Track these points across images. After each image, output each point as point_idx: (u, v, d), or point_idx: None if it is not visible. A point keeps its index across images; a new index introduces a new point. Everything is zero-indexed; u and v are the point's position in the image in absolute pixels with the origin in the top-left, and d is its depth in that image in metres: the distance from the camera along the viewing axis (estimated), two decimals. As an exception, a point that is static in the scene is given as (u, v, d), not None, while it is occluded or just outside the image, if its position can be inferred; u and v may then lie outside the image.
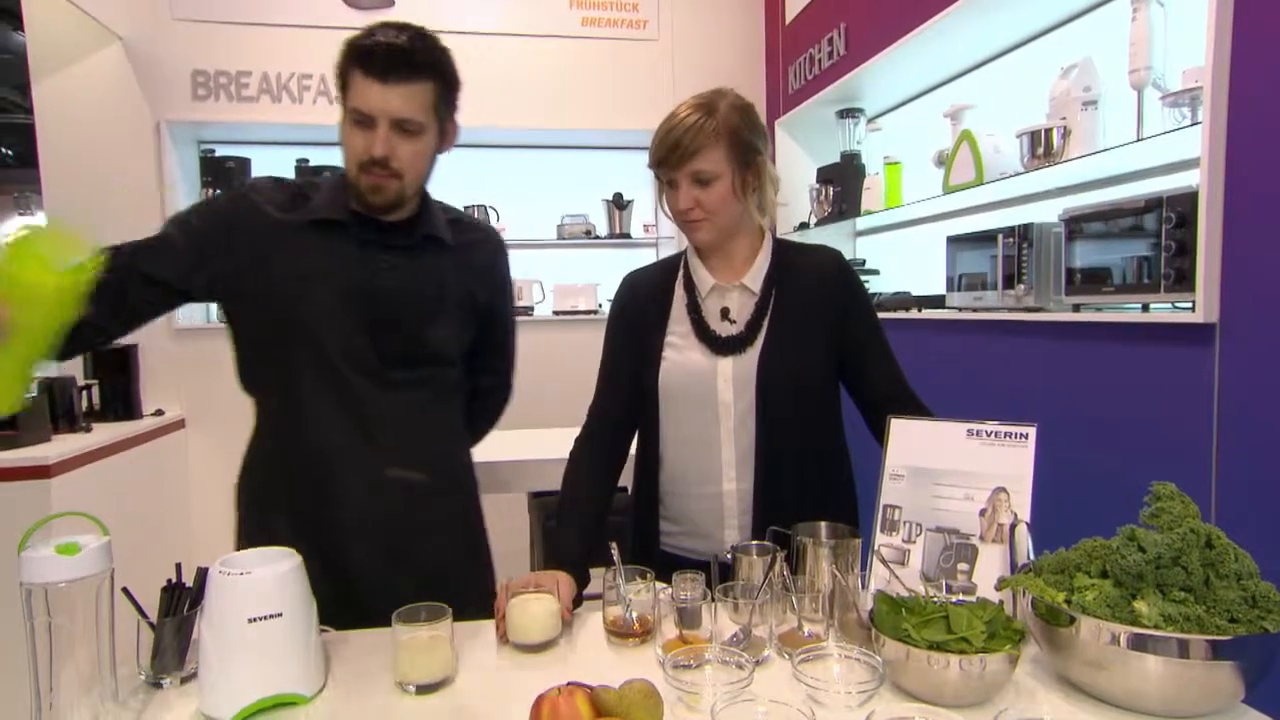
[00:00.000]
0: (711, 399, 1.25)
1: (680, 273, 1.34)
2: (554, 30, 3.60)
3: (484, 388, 1.46)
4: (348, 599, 1.15)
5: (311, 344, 1.20)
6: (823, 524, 1.14)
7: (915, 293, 2.67)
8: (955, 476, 1.07)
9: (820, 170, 3.19)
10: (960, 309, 2.21)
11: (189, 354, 3.25)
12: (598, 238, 3.84)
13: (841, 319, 1.28)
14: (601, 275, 3.80)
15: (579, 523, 1.27)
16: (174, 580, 0.99)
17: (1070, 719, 0.82)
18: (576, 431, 1.38)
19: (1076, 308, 1.79)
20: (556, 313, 3.76)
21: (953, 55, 2.46)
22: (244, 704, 0.86)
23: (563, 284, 3.78)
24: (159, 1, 3.23)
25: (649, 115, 1.44)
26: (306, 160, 3.42)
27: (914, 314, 2.52)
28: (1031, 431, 1.04)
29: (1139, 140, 1.68)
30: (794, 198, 3.26)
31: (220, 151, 3.44)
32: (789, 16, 3.48)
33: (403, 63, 1.13)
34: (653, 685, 0.82)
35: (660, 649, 0.98)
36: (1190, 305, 1.48)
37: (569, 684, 0.82)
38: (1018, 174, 2.00)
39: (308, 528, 1.16)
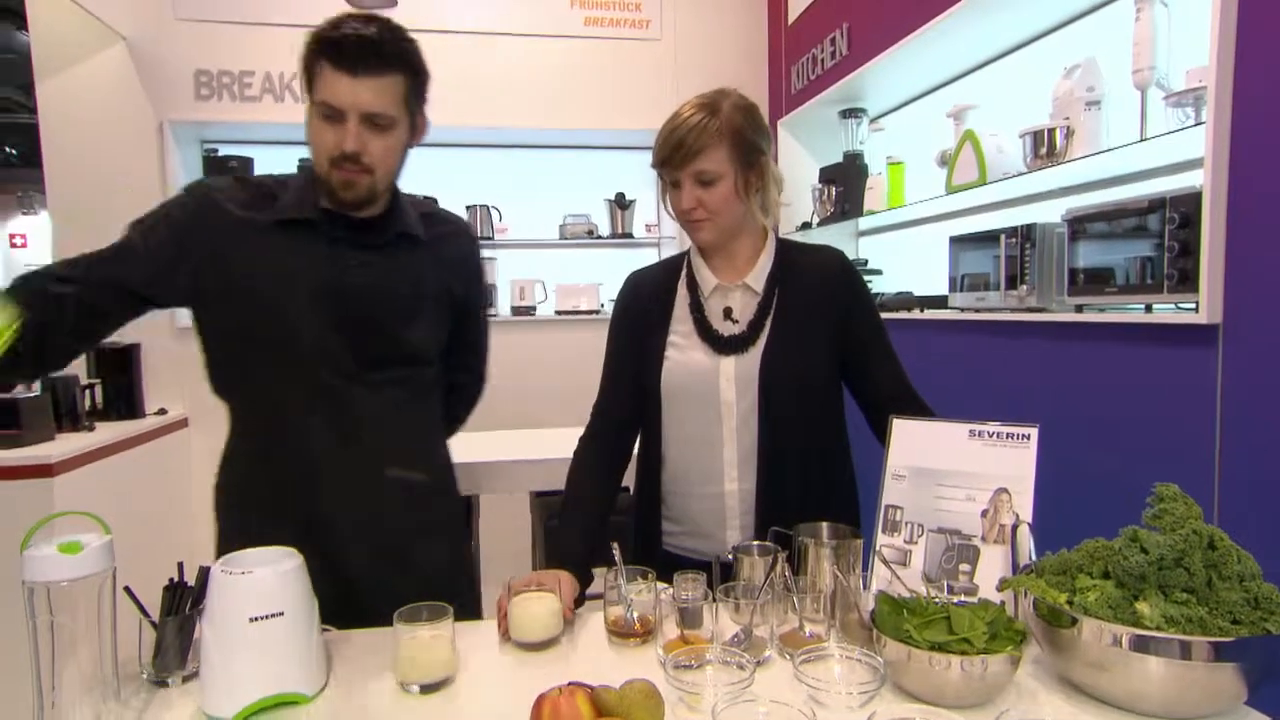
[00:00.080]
0: (714, 398, 1.25)
1: (683, 272, 1.34)
2: (557, 30, 3.61)
3: (460, 384, 1.45)
4: (333, 601, 1.13)
5: (284, 346, 1.17)
6: (824, 524, 1.14)
7: (918, 293, 2.67)
8: (957, 477, 1.07)
9: (823, 170, 3.19)
10: (963, 309, 2.21)
11: (191, 353, 3.22)
12: (600, 238, 3.84)
13: (844, 319, 1.28)
14: (604, 275, 3.80)
15: (582, 522, 1.27)
16: (176, 579, 1.00)
17: (1072, 720, 0.82)
18: (578, 431, 1.38)
19: (1079, 308, 1.79)
20: (559, 313, 3.76)
21: (956, 55, 2.45)
22: (246, 703, 0.86)
23: (565, 284, 3.78)
24: (162, 1, 3.24)
25: (651, 115, 1.44)
26: (308, 160, 3.43)
27: (916, 314, 2.52)
28: (1033, 432, 1.04)
29: (1142, 140, 1.67)
30: (796, 198, 3.26)
31: (223, 151, 3.45)
32: (792, 16, 3.48)
33: (373, 55, 1.10)
34: (654, 685, 0.82)
35: (661, 649, 0.97)
36: (1193, 306, 1.48)
37: (570, 684, 0.82)
38: (1021, 174, 2.00)
39: (289, 531, 1.10)
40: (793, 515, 1.16)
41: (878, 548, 1.09)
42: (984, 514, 1.04)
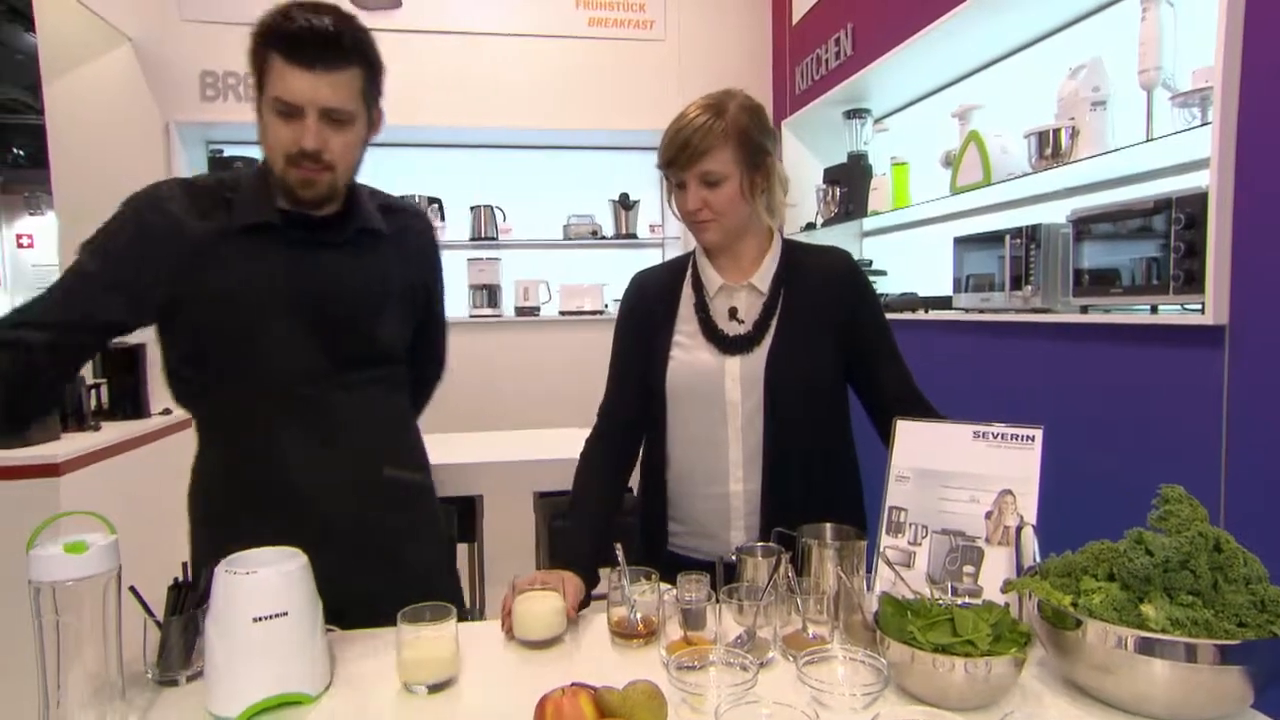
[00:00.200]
0: (719, 398, 1.25)
1: (688, 272, 1.34)
2: (561, 30, 3.61)
3: (424, 375, 1.43)
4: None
5: (255, 355, 1.14)
6: (828, 525, 1.14)
7: (922, 294, 2.67)
8: (961, 478, 1.06)
9: (827, 171, 3.18)
10: (967, 310, 2.20)
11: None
12: (604, 238, 3.84)
13: (850, 319, 1.28)
14: (608, 275, 3.81)
15: (589, 523, 1.27)
16: (180, 579, 1.00)
17: (1077, 723, 0.82)
18: (582, 431, 1.38)
19: (1084, 309, 1.78)
20: (563, 313, 3.77)
21: (960, 56, 2.45)
22: (250, 703, 0.86)
23: (569, 284, 3.78)
24: (168, 2, 3.25)
25: (655, 115, 1.44)
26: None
27: (921, 315, 2.51)
28: (1038, 433, 1.03)
29: (1148, 141, 1.67)
30: (801, 198, 3.26)
31: (229, 152, 3.46)
32: (796, 17, 3.48)
33: (331, 49, 1.06)
34: (657, 686, 0.82)
35: (664, 650, 0.97)
36: (1199, 307, 1.47)
37: (573, 685, 0.82)
38: (1026, 175, 1.99)
39: (269, 540, 1.00)
40: (797, 516, 1.16)
41: (881, 549, 1.09)
42: (988, 515, 1.03)
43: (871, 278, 2.93)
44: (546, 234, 3.83)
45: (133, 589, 0.92)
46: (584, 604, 1.15)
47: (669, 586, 1.06)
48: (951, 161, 2.31)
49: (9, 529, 0.98)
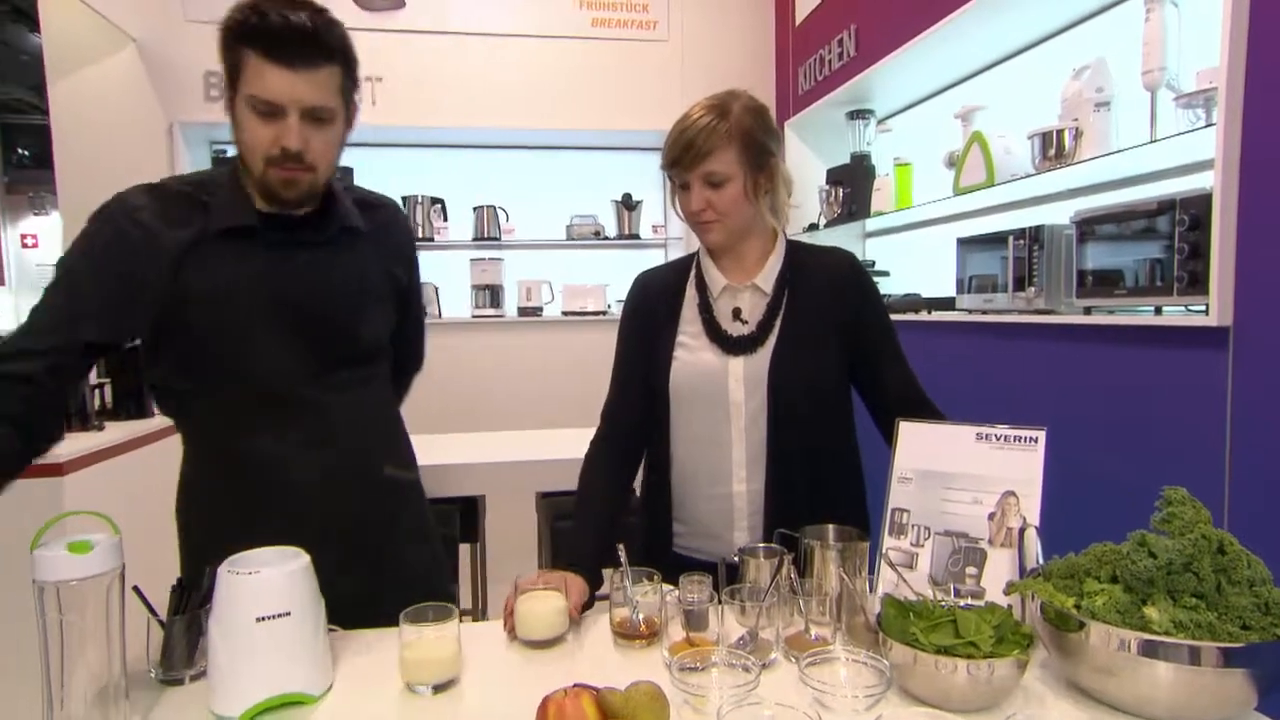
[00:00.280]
0: (722, 399, 1.25)
1: (692, 273, 1.34)
2: (564, 31, 3.61)
3: (404, 368, 1.41)
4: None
5: (243, 362, 1.12)
6: (830, 527, 1.14)
7: (925, 294, 2.66)
8: (964, 480, 1.06)
9: (830, 171, 3.18)
10: (970, 311, 2.20)
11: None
12: (607, 238, 3.85)
13: (854, 320, 1.28)
14: (610, 276, 3.81)
15: (593, 524, 1.27)
16: (184, 578, 1.00)
17: (1079, 725, 0.82)
18: (585, 432, 1.38)
19: (1088, 310, 1.78)
20: (565, 313, 3.77)
21: (963, 56, 2.45)
22: (252, 703, 0.86)
23: (572, 284, 3.79)
24: (172, 3, 3.26)
25: (658, 116, 1.44)
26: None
27: (924, 316, 2.51)
28: (1041, 435, 1.03)
29: (1152, 142, 1.66)
30: (803, 199, 3.26)
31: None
32: (799, 17, 3.47)
33: (311, 46, 1.03)
34: (659, 687, 0.82)
35: (667, 651, 0.97)
36: (1203, 308, 1.47)
37: (575, 685, 0.82)
38: (1029, 175, 1.99)
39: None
40: (801, 516, 1.16)
41: (884, 550, 1.09)
42: (991, 517, 1.03)
43: (874, 278, 2.94)
44: (549, 234, 3.83)
45: (136, 589, 0.93)
46: (588, 605, 1.15)
47: (671, 588, 1.06)
48: (955, 162, 2.30)
49: (13, 528, 0.98)
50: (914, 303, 2.61)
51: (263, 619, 0.86)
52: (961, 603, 0.93)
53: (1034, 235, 1.90)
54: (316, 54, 1.04)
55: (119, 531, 0.85)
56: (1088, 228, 1.74)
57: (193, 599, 0.97)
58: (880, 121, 3.09)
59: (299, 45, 1.03)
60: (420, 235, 3.68)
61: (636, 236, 3.87)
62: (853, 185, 3.00)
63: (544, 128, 3.63)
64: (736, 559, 1.12)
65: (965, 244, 2.23)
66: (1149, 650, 0.77)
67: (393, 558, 1.25)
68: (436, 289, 3.72)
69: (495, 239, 3.75)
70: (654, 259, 3.87)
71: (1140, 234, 1.60)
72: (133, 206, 1.10)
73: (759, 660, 0.89)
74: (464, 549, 2.19)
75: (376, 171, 3.67)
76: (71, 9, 2.90)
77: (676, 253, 3.80)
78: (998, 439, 1.06)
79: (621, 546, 1.12)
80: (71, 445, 2.33)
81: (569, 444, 2.34)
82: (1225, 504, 1.44)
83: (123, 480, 2.53)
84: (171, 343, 1.13)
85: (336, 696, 0.93)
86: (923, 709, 0.84)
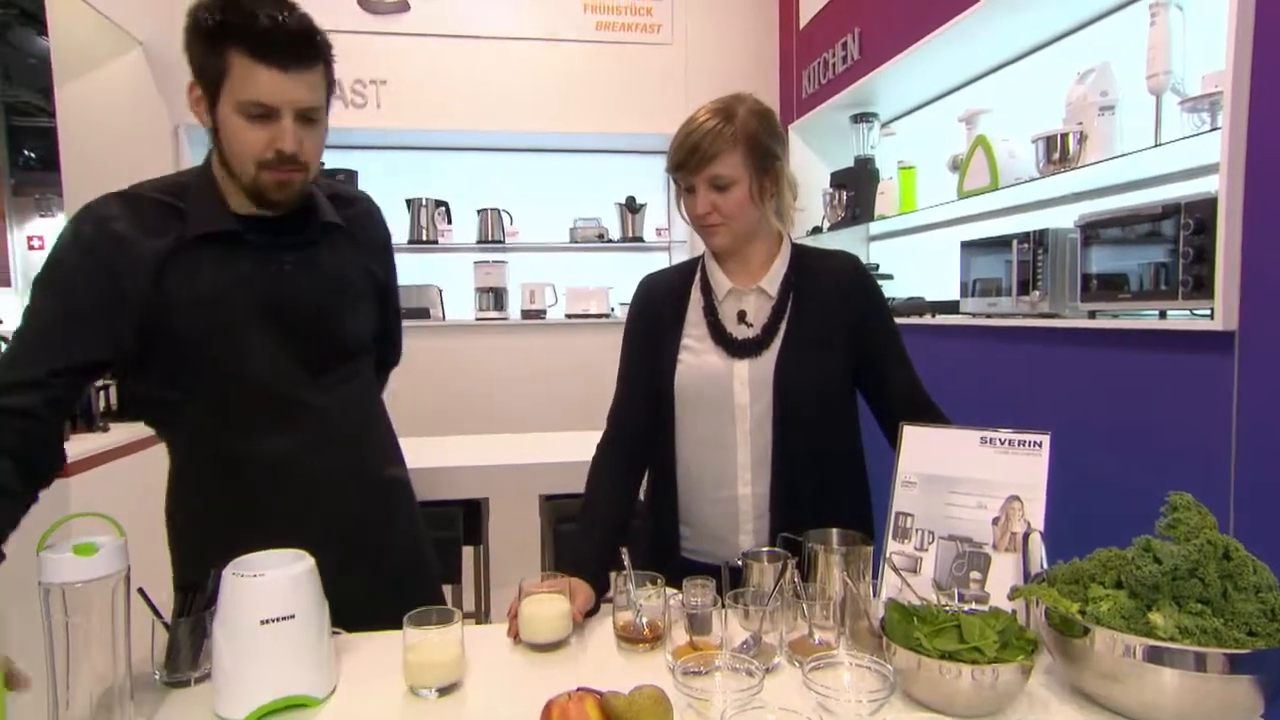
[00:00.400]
0: (728, 402, 1.25)
1: (697, 276, 1.34)
2: (568, 34, 3.62)
3: (384, 361, 1.41)
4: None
5: (233, 368, 1.11)
6: (834, 531, 1.14)
7: (929, 298, 2.66)
8: (968, 484, 1.06)
9: (834, 175, 3.18)
10: (974, 315, 2.20)
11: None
12: (610, 241, 3.85)
13: (859, 323, 1.28)
14: (614, 279, 3.81)
15: (599, 528, 1.27)
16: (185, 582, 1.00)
17: (1084, 731, 0.82)
18: (588, 434, 1.38)
19: (1092, 314, 1.77)
20: (569, 316, 3.77)
21: (968, 60, 2.45)
22: (256, 705, 0.86)
23: (575, 287, 3.79)
24: (178, 7, 3.25)
25: (662, 119, 1.44)
26: (321, 163, 3.45)
27: (927, 319, 2.51)
28: (1045, 439, 1.03)
29: (1157, 145, 1.66)
30: (807, 202, 3.26)
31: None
32: (803, 21, 3.48)
33: (304, 48, 1.03)
34: (662, 691, 0.82)
35: (670, 655, 0.97)
36: (1209, 312, 1.46)
37: (579, 689, 0.82)
38: (1033, 179, 1.99)
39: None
40: (806, 520, 1.16)
41: (888, 555, 1.08)
42: (995, 521, 1.03)
43: (878, 282, 2.94)
44: (553, 237, 3.83)
45: (141, 591, 0.93)
46: (593, 610, 1.15)
47: (675, 591, 1.06)
48: (959, 166, 2.30)
49: (19, 530, 0.98)
50: (918, 306, 2.60)
51: (267, 621, 0.86)
52: (965, 607, 0.92)
53: (1038, 239, 1.90)
54: (308, 54, 1.04)
55: (124, 533, 0.86)
56: (1092, 231, 1.73)
57: (197, 601, 0.98)
58: (884, 125, 3.09)
59: (290, 46, 1.02)
60: (424, 238, 3.69)
61: (640, 239, 3.87)
62: (856, 188, 3.00)
63: (548, 131, 3.64)
64: (740, 563, 1.12)
65: (969, 247, 2.22)
66: (1154, 656, 0.77)
67: (391, 557, 1.25)
68: (440, 291, 3.72)
69: (499, 242, 3.75)
70: (657, 262, 3.88)
71: (1145, 238, 1.60)
72: (105, 217, 1.07)
73: (762, 664, 0.89)
74: (467, 551, 2.19)
75: (381, 174, 3.69)
76: (79, 12, 2.92)
77: (680, 256, 3.80)
78: (1002, 443, 1.06)
79: (625, 550, 1.12)
80: (77, 447, 2.34)
81: (572, 447, 2.34)
82: (1230, 509, 1.44)
83: (128, 482, 2.53)
84: (158, 353, 1.10)
85: (340, 699, 0.93)
86: (927, 714, 0.84)
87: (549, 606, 1.06)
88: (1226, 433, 1.45)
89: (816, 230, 3.26)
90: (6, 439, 0.96)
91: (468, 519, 2.15)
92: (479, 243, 3.75)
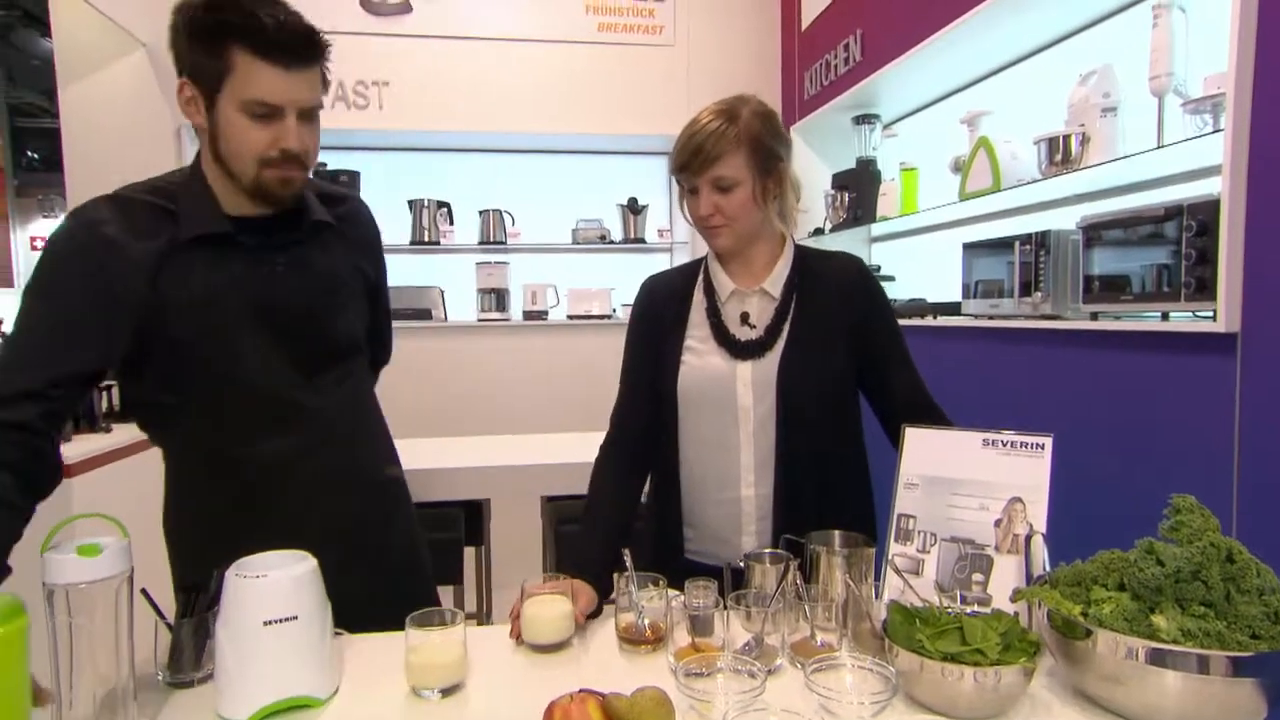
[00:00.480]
0: (731, 403, 1.25)
1: (700, 277, 1.35)
2: (570, 36, 3.62)
3: (375, 359, 1.41)
4: None
5: (229, 370, 1.11)
6: (836, 533, 1.14)
7: (931, 299, 2.66)
8: (970, 486, 1.06)
9: (835, 176, 3.18)
10: (976, 316, 2.20)
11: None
12: (612, 242, 3.85)
13: (862, 325, 1.28)
14: (616, 280, 3.81)
15: (601, 529, 1.27)
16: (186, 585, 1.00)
17: (1087, 734, 0.82)
18: (590, 435, 1.38)
19: (1094, 316, 1.77)
20: (571, 317, 3.77)
21: (970, 61, 2.44)
22: (259, 706, 0.86)
23: (577, 288, 3.79)
24: (182, 8, 3.27)
25: (664, 121, 1.44)
26: (324, 164, 3.46)
27: (929, 321, 2.51)
28: (1048, 441, 1.03)
29: (1159, 147, 1.66)
30: (809, 203, 3.26)
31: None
32: (805, 22, 3.48)
33: (306, 47, 1.03)
34: (664, 693, 0.82)
35: (672, 656, 0.97)
36: (1211, 314, 1.46)
37: (581, 691, 0.82)
38: (1035, 181, 1.99)
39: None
40: (809, 521, 1.16)
41: (890, 556, 1.08)
42: (997, 523, 1.03)
43: (880, 283, 2.93)
44: (555, 238, 3.83)
45: (144, 592, 0.93)
46: (596, 612, 1.15)
47: (678, 593, 1.06)
48: (961, 167, 2.30)
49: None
50: (920, 308, 2.60)
51: (270, 622, 0.87)
52: (968, 609, 0.92)
53: (1040, 240, 1.90)
54: (309, 53, 1.04)
55: (127, 534, 0.86)
56: (1094, 233, 1.73)
57: (200, 602, 0.98)
58: (886, 126, 3.09)
59: (298, 47, 1.03)
60: (426, 239, 3.69)
61: (642, 241, 3.87)
62: (858, 190, 3.00)
63: (550, 132, 3.64)
64: (742, 564, 1.12)
65: (971, 249, 2.22)
66: (1157, 659, 0.77)
67: (390, 557, 1.25)
68: (442, 292, 3.73)
69: (501, 243, 3.75)
70: (659, 263, 3.89)
71: (1147, 239, 1.60)
72: (96, 220, 1.06)
73: (764, 666, 0.89)
74: (469, 552, 2.19)
75: (383, 175, 3.70)
76: (82, 14, 2.93)
77: (682, 257, 3.80)
78: (1004, 445, 1.06)
79: (628, 551, 1.12)
80: (79, 447, 2.35)
81: (574, 448, 2.34)
82: (1233, 511, 1.44)
83: (131, 483, 2.53)
84: (154, 357, 1.09)
85: (343, 700, 0.93)
86: (929, 716, 0.84)
87: (551, 608, 1.06)
88: (1229, 435, 1.45)
89: (818, 231, 3.26)
90: (6, 453, 0.95)
91: (469, 520, 2.15)
92: (481, 244, 3.75)
